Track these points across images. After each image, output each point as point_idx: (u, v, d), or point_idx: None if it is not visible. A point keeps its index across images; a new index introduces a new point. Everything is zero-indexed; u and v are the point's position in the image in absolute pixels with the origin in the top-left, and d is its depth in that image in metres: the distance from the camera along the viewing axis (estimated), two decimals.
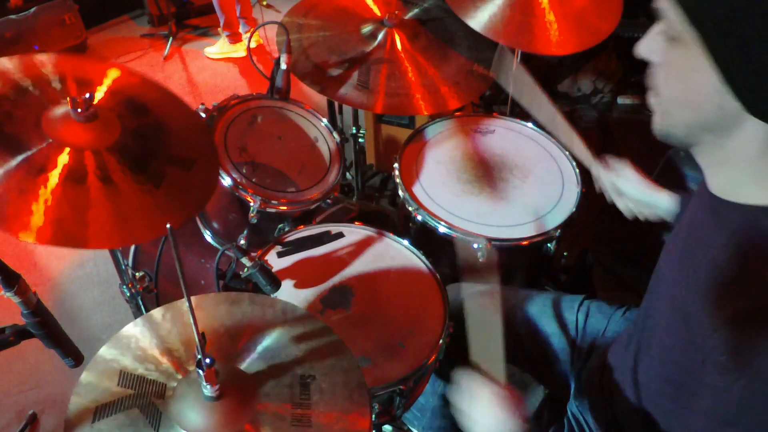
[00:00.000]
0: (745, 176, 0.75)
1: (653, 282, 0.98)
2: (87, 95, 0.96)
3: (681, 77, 0.73)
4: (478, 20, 1.60)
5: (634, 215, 1.27)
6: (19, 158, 0.86)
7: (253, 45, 3.74)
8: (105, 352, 0.90)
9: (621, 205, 1.27)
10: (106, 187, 0.89)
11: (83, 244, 0.82)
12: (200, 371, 0.77)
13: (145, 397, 0.84)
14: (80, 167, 0.89)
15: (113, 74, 1.09)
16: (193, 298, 0.99)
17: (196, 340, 0.76)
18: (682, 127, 0.76)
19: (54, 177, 0.85)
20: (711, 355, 0.73)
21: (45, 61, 1.05)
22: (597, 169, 1.28)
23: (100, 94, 1.05)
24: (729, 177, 0.77)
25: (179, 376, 0.88)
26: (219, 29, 3.71)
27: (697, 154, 0.81)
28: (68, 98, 0.96)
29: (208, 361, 0.77)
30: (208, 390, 0.80)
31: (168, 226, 0.62)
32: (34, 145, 0.89)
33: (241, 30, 3.73)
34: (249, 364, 0.90)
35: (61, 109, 0.97)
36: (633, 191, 1.23)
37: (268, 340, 0.93)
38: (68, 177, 0.86)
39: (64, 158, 0.89)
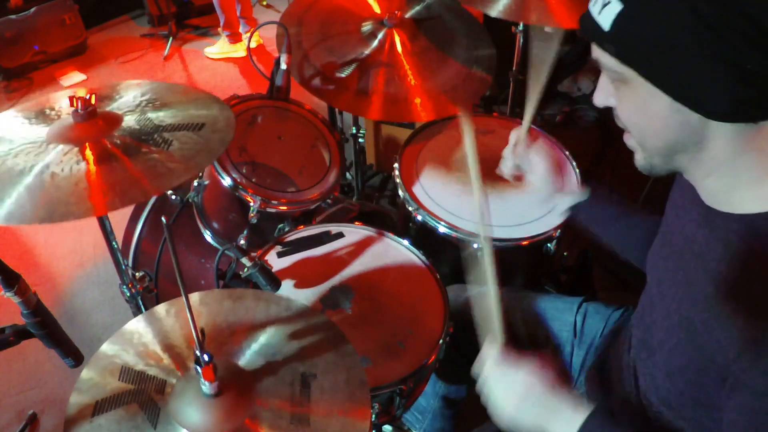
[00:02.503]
0: (732, 183, 0.77)
1: (650, 296, 0.97)
2: (87, 96, 1.00)
3: (639, 110, 0.77)
4: (496, 8, 1.59)
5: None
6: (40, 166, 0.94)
7: (253, 45, 3.74)
8: (107, 347, 0.91)
9: (507, 168, 1.29)
10: (125, 158, 0.96)
11: (138, 197, 0.92)
12: (198, 368, 0.77)
13: (145, 392, 0.85)
14: (104, 151, 0.97)
15: (78, 77, 1.18)
16: (197, 295, 1.00)
17: (195, 337, 0.76)
18: (657, 154, 0.80)
19: (91, 165, 0.94)
20: (733, 372, 0.72)
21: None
22: (517, 138, 1.26)
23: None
24: (718, 186, 0.79)
25: (179, 373, 0.88)
26: (219, 29, 3.71)
27: (685, 173, 0.83)
28: (70, 99, 1.00)
29: (206, 358, 0.77)
30: (206, 387, 0.80)
31: (164, 221, 0.62)
32: (50, 156, 0.96)
33: (241, 30, 3.73)
34: (249, 360, 0.90)
35: (61, 122, 1.03)
36: (537, 179, 1.24)
37: (269, 337, 0.93)
38: (99, 160, 0.96)
39: (88, 152, 0.97)
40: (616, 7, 0.71)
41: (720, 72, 0.66)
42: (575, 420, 0.84)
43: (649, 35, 0.69)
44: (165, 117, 1.06)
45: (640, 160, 0.83)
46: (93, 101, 1.01)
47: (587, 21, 0.76)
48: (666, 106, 0.72)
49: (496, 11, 1.59)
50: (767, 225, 0.73)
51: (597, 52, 0.77)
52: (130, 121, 1.05)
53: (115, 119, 1.04)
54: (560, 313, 1.28)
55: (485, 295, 0.97)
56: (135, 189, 0.91)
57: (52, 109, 1.09)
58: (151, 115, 1.06)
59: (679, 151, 0.77)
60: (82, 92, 1.04)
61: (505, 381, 0.90)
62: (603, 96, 0.82)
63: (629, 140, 0.84)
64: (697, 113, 0.71)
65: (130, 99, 1.11)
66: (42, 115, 1.07)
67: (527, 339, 1.29)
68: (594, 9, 0.75)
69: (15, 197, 0.87)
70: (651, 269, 0.99)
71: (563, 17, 1.57)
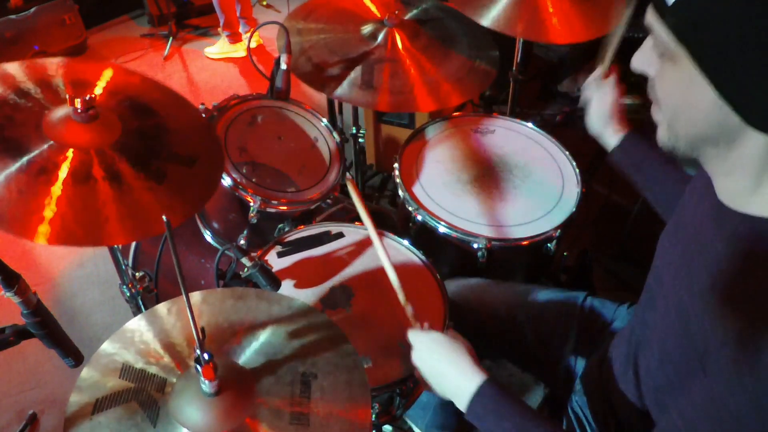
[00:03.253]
0: (750, 187, 0.75)
1: (653, 278, 0.98)
2: (87, 96, 0.96)
3: (678, 92, 0.73)
4: (489, 17, 1.60)
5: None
6: (22, 161, 0.87)
7: (253, 45, 3.74)
8: (107, 346, 0.91)
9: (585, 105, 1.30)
10: (111, 184, 0.90)
11: (90, 242, 0.83)
12: (198, 367, 0.77)
13: (145, 391, 0.85)
14: (83, 167, 0.90)
15: (109, 74, 1.09)
16: (199, 293, 1.00)
17: (195, 336, 0.76)
18: (685, 140, 0.77)
19: (58, 178, 0.86)
20: (711, 361, 0.73)
21: (44, 64, 1.05)
22: (598, 72, 1.30)
23: (98, 90, 1.05)
24: (735, 187, 0.77)
25: (180, 372, 0.88)
26: (219, 29, 3.71)
27: (704, 164, 0.81)
28: (69, 98, 0.95)
29: (206, 357, 0.77)
30: (206, 386, 0.80)
31: (165, 220, 0.62)
32: (36, 148, 0.90)
33: (241, 30, 3.73)
34: (250, 359, 0.90)
35: (61, 111, 0.97)
36: (597, 108, 1.27)
37: (269, 336, 0.93)
38: (72, 177, 0.87)
39: (67, 159, 0.90)
40: None
41: None
42: (469, 387, 0.92)
43: (713, 17, 0.65)
44: (162, 138, 1.01)
45: (663, 137, 0.80)
46: (92, 101, 0.97)
47: None
48: (709, 100, 0.69)
49: (488, 20, 1.59)
50: None
51: (652, 19, 0.72)
52: (128, 131, 0.99)
53: (114, 125, 0.99)
54: (563, 307, 1.29)
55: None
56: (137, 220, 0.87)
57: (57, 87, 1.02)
58: (149, 128, 1.01)
59: (708, 144, 0.75)
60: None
61: (422, 345, 1.04)
62: (643, 62, 0.78)
63: (657, 114, 0.80)
64: (738, 116, 0.68)
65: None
66: (48, 87, 1.00)
67: (530, 334, 1.29)
68: None
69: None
70: (661, 252, 0.98)
71: (552, 32, 1.58)
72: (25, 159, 0.87)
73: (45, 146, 0.90)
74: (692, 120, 0.73)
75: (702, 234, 0.83)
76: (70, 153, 0.90)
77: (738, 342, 0.69)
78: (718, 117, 0.70)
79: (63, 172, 0.87)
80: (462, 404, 0.95)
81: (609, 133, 1.25)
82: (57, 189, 0.84)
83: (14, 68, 1.01)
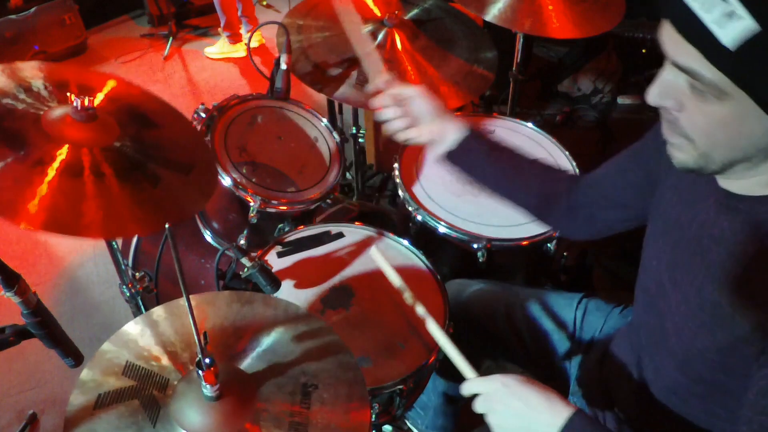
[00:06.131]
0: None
1: (651, 281, 0.97)
2: (88, 97, 0.98)
3: (723, 126, 0.71)
4: (491, 13, 1.61)
5: (399, 133, 1.15)
6: (18, 152, 0.89)
7: (254, 45, 3.74)
8: (109, 346, 0.91)
9: (388, 117, 1.14)
10: (101, 182, 0.91)
11: (74, 233, 0.86)
12: (199, 371, 0.77)
13: (147, 389, 0.85)
14: (77, 163, 0.92)
15: (112, 84, 1.11)
16: (204, 296, 1.00)
17: (196, 339, 0.76)
18: (721, 162, 0.75)
19: (51, 170, 0.88)
20: (762, 348, 0.73)
21: (54, 66, 1.08)
22: (382, 80, 1.15)
23: (100, 96, 1.07)
24: (751, 182, 0.77)
25: (182, 374, 0.88)
26: (219, 29, 3.71)
27: (723, 174, 0.80)
28: (71, 96, 0.97)
29: (207, 361, 0.77)
30: (207, 390, 0.80)
31: (167, 226, 0.62)
32: (33, 140, 0.91)
33: (242, 30, 3.73)
34: (252, 365, 0.90)
35: (61, 109, 0.98)
36: (420, 107, 1.11)
37: (273, 343, 0.93)
38: (65, 171, 0.89)
39: (62, 153, 0.92)
40: (749, 26, 0.61)
41: None
42: (557, 422, 0.83)
43: None
44: (158, 146, 1.02)
45: (687, 161, 0.77)
46: (91, 102, 0.99)
47: (689, 20, 0.65)
48: (759, 125, 0.68)
49: (490, 16, 1.59)
50: None
51: (690, 59, 0.67)
52: (125, 139, 0.99)
53: (112, 128, 1.00)
54: (560, 309, 1.29)
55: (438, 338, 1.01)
56: (119, 221, 0.87)
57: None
58: (149, 143, 1.02)
59: (745, 160, 0.74)
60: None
61: (490, 393, 0.90)
62: (663, 97, 0.74)
63: (673, 138, 0.77)
64: None
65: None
66: (50, 87, 1.02)
67: (528, 335, 1.29)
68: (705, 13, 0.64)
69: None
70: (656, 254, 0.98)
71: (558, 27, 1.58)
72: (22, 151, 0.89)
73: (43, 140, 0.92)
74: (736, 147, 0.72)
75: (715, 227, 0.82)
76: (64, 148, 0.92)
77: None
78: (765, 142, 0.70)
79: (56, 164, 0.90)
80: None
81: (450, 130, 1.11)
82: (47, 179, 0.87)
83: (25, 66, 1.03)
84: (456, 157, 1.12)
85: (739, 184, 0.80)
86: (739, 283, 0.77)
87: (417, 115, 1.12)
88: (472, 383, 0.93)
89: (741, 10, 0.62)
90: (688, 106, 0.72)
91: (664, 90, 0.74)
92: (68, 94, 0.97)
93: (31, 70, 1.03)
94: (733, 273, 0.78)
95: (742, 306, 0.76)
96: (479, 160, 1.12)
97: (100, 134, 0.98)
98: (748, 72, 0.64)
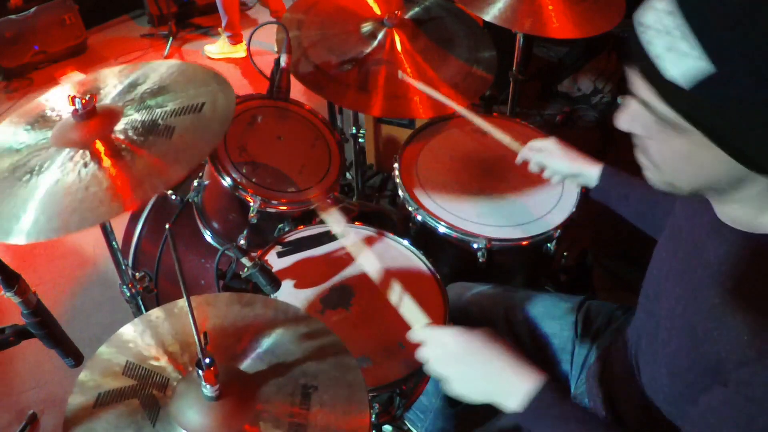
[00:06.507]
0: (752, 211, 0.75)
1: (651, 288, 0.97)
2: (87, 96, 1.01)
3: (683, 156, 0.71)
4: (491, 13, 1.61)
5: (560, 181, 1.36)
6: (58, 178, 0.95)
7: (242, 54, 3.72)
8: (110, 345, 0.91)
9: (547, 175, 1.34)
10: (121, 159, 0.97)
11: (126, 208, 0.92)
12: (200, 371, 0.78)
13: (147, 388, 0.85)
14: (113, 148, 0.99)
15: (79, 77, 1.19)
16: (204, 296, 1.00)
17: (196, 339, 0.76)
18: (687, 189, 0.76)
19: (103, 165, 0.96)
20: (732, 378, 0.72)
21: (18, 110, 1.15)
22: (524, 152, 1.37)
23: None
24: (739, 213, 0.77)
25: (182, 374, 0.88)
26: (220, 29, 3.71)
27: (707, 196, 0.80)
28: (70, 99, 1.00)
29: (207, 361, 0.77)
30: (207, 390, 0.80)
31: (167, 226, 0.63)
32: (65, 157, 0.98)
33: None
34: (252, 366, 0.90)
35: (64, 122, 1.04)
36: (559, 165, 1.29)
37: (273, 344, 0.93)
38: (111, 158, 0.97)
39: (100, 150, 0.98)
40: (702, 67, 0.60)
41: None
42: (525, 386, 0.82)
43: (736, 101, 0.61)
44: (164, 101, 1.07)
45: (656, 181, 0.78)
46: (91, 99, 1.01)
47: (640, 56, 0.66)
48: (717, 160, 0.67)
49: (490, 15, 1.59)
50: None
51: (645, 93, 0.68)
52: (131, 111, 1.05)
53: (115, 113, 1.05)
54: (561, 312, 1.29)
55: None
56: (154, 179, 0.93)
57: (53, 110, 1.10)
58: (150, 102, 1.07)
59: (711, 188, 0.74)
60: (70, 87, 1.04)
61: (440, 344, 0.90)
62: (631, 124, 0.75)
63: (643, 160, 0.78)
64: (753, 170, 0.67)
65: (123, 87, 1.12)
66: (43, 119, 1.08)
67: (528, 337, 1.29)
68: (654, 48, 0.64)
69: (32, 213, 0.90)
70: (658, 261, 0.98)
71: (558, 27, 1.59)
72: (59, 173, 0.95)
73: (75, 153, 0.98)
74: (697, 175, 0.72)
75: (704, 249, 0.82)
76: (98, 145, 0.99)
77: (757, 359, 0.69)
78: (727, 170, 0.69)
79: (105, 161, 0.96)
80: (514, 403, 0.84)
81: (584, 173, 1.27)
82: (109, 172, 0.94)
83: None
84: (598, 194, 1.27)
85: (722, 210, 0.80)
86: (717, 313, 0.75)
87: (552, 166, 1.31)
88: (424, 331, 0.92)
89: (690, 48, 0.61)
90: (655, 136, 0.72)
91: (633, 117, 0.74)
92: (69, 96, 1.00)
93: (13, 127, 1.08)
94: (711, 301, 0.77)
95: (713, 337, 0.75)
96: (619, 197, 1.23)
97: (106, 120, 1.02)
98: (700, 111, 0.64)
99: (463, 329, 0.90)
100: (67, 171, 0.95)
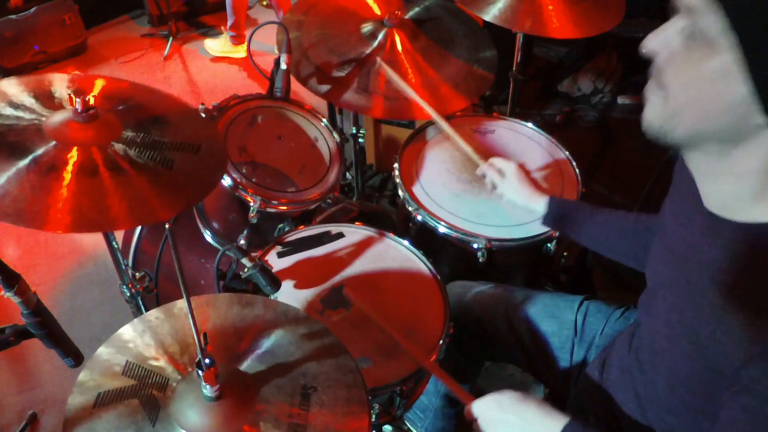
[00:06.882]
0: (744, 192, 0.73)
1: (652, 299, 0.97)
2: (87, 97, 0.99)
3: (703, 81, 0.67)
4: (491, 13, 1.61)
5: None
6: (27, 161, 0.90)
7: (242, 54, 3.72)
8: (110, 345, 0.91)
9: (496, 194, 1.45)
10: (118, 175, 0.94)
11: (105, 228, 0.90)
12: (200, 372, 0.78)
13: (147, 388, 0.85)
14: (89, 162, 0.94)
15: (101, 83, 1.13)
16: (205, 297, 1.00)
17: (196, 340, 0.76)
18: (687, 129, 0.72)
19: (66, 174, 0.91)
20: (739, 378, 0.72)
21: (27, 80, 1.10)
22: (483, 168, 1.46)
23: (91, 96, 1.09)
24: (728, 192, 0.75)
25: (183, 374, 0.88)
26: (222, 28, 3.71)
27: (692, 161, 0.78)
28: (69, 98, 0.98)
29: (207, 361, 0.77)
30: (207, 390, 0.80)
31: (167, 226, 0.63)
32: (39, 149, 0.93)
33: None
34: (252, 366, 0.90)
35: (61, 115, 1.00)
36: (509, 192, 1.41)
37: (273, 345, 0.93)
38: (79, 172, 0.92)
39: (72, 156, 0.94)
40: None
41: None
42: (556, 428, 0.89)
43: None
44: (162, 132, 1.04)
45: (655, 120, 0.74)
46: (93, 102, 1.00)
47: None
48: (737, 94, 0.64)
49: (490, 16, 1.59)
50: None
51: (699, 1, 0.65)
52: (128, 130, 1.02)
53: (114, 124, 1.02)
54: (561, 312, 1.29)
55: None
56: (146, 207, 0.89)
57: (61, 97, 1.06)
58: (153, 130, 1.04)
59: (710, 140, 0.71)
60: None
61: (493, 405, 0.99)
62: (659, 44, 0.72)
63: (652, 94, 0.74)
64: (764, 113, 0.63)
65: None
66: (49, 98, 1.04)
67: (528, 337, 1.29)
68: None
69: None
70: (652, 274, 0.98)
71: (558, 27, 1.59)
72: (29, 159, 0.90)
73: (50, 146, 0.93)
74: (705, 114, 0.69)
75: (700, 251, 0.81)
76: (74, 151, 0.94)
77: (763, 355, 0.68)
78: (738, 115, 0.65)
79: (70, 167, 0.92)
80: None
81: (530, 206, 1.38)
82: (65, 183, 0.89)
83: (4, 84, 1.05)
84: (547, 223, 1.37)
85: (711, 191, 0.78)
86: (718, 312, 0.74)
87: (503, 190, 1.42)
88: (471, 408, 1.01)
89: None
90: (677, 59, 0.70)
91: (664, 36, 0.72)
92: (69, 96, 0.98)
93: (13, 87, 1.04)
94: (711, 302, 0.76)
95: (717, 338, 0.74)
96: (570, 224, 1.32)
97: (105, 131, 1.00)
98: (741, 13, 0.61)
99: (498, 395, 0.99)
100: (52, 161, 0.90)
